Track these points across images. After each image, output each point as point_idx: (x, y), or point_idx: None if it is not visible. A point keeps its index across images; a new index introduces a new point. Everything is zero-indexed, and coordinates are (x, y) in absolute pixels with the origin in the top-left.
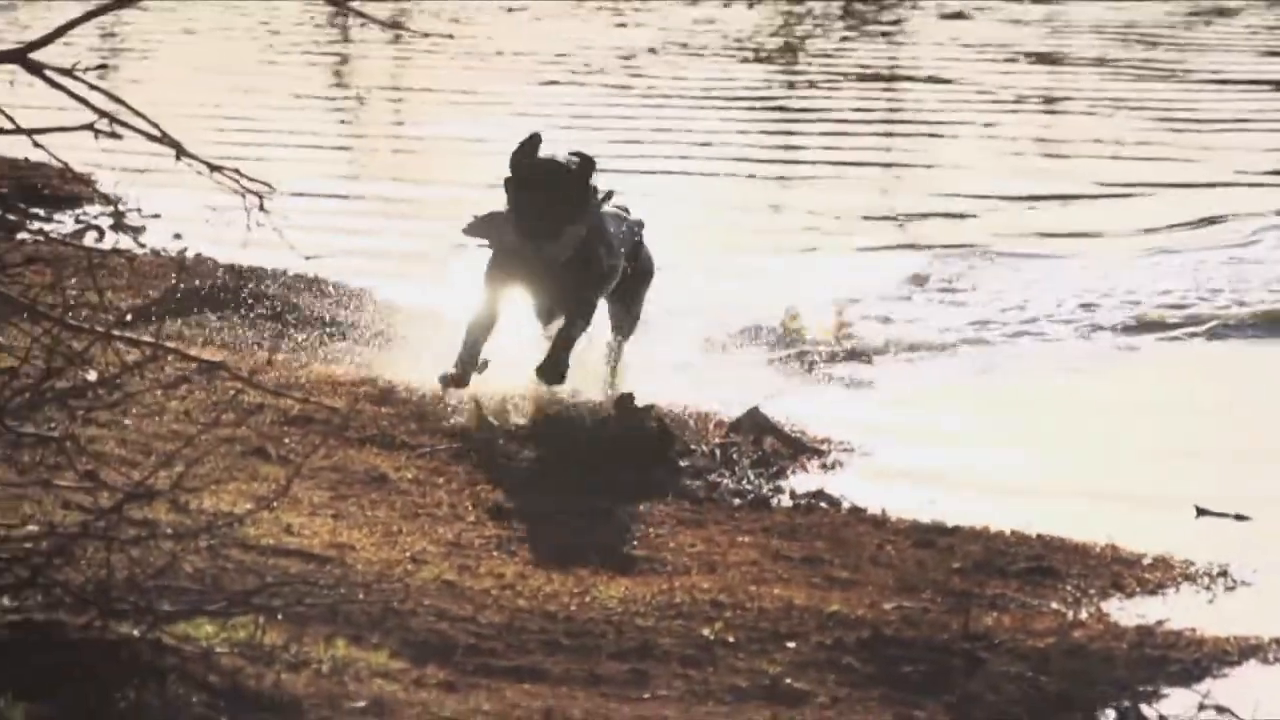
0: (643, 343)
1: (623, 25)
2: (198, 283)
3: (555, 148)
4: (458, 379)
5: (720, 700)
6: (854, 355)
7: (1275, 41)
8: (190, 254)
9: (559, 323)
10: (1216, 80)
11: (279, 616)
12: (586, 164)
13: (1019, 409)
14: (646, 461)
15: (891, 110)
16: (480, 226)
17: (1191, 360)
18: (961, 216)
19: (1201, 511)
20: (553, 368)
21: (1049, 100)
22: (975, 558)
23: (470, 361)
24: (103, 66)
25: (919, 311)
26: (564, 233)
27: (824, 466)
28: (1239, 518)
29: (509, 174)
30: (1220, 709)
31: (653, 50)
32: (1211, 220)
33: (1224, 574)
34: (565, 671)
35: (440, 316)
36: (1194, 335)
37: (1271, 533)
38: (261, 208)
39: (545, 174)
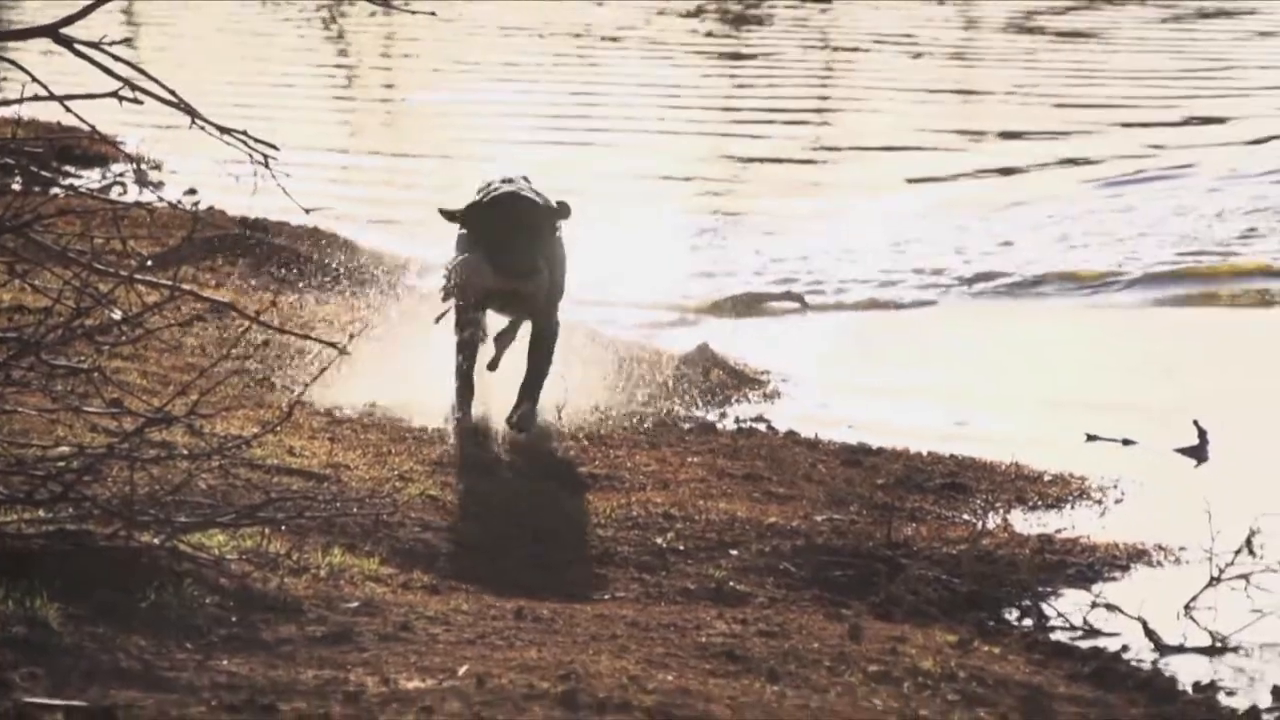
0: (604, 289)
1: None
2: (210, 232)
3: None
4: (461, 421)
5: (672, 601)
6: (791, 297)
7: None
8: (204, 207)
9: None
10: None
11: (282, 528)
12: (561, 208)
13: (933, 346)
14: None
15: (826, 76)
16: (457, 274)
17: (1081, 311)
18: (883, 171)
19: (1091, 437)
20: (529, 418)
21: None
22: (896, 475)
23: (467, 397)
24: (126, 40)
25: (851, 258)
26: (540, 270)
27: (764, 395)
28: (1125, 442)
29: (478, 211)
30: (1110, 606)
31: (615, 36)
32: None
33: (1114, 488)
34: (535, 576)
35: (423, 263)
36: (1085, 288)
37: (1153, 454)
38: (267, 166)
39: (519, 211)
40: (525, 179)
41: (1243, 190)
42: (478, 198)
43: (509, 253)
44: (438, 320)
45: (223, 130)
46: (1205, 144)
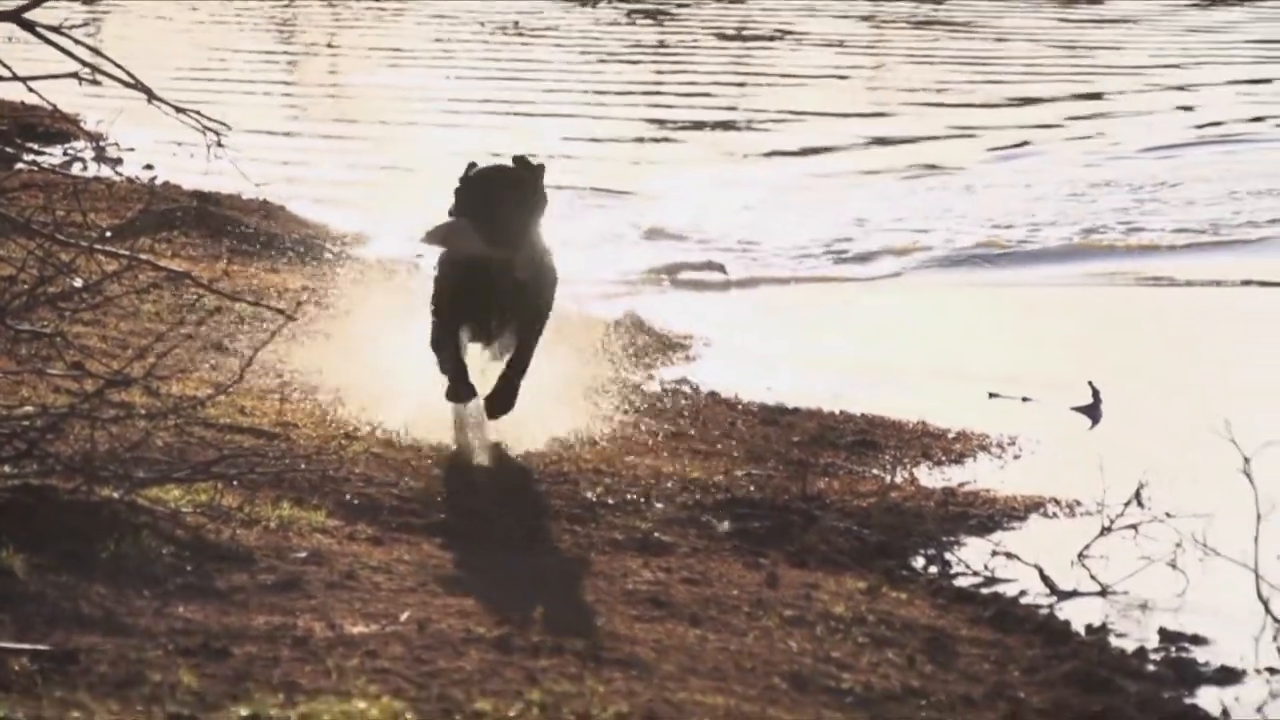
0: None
1: None
2: (166, 206)
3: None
4: (460, 393)
5: (601, 551)
6: (712, 267)
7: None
8: (160, 182)
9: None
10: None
11: (234, 483)
12: (539, 168)
13: (844, 315)
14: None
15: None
16: (440, 235)
17: (980, 280)
18: (803, 153)
19: (993, 395)
20: (507, 399)
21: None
22: (811, 433)
23: (461, 372)
24: (86, 25)
25: (767, 227)
26: (530, 240)
27: (687, 358)
28: (1024, 400)
29: (464, 180)
30: (1009, 554)
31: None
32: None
33: (1013, 444)
34: (473, 528)
35: (366, 236)
36: (985, 262)
37: (1050, 412)
38: (219, 143)
39: (507, 180)
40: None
41: (1132, 167)
42: (465, 172)
43: (497, 218)
44: (426, 240)
45: (177, 109)
46: (1088, 121)
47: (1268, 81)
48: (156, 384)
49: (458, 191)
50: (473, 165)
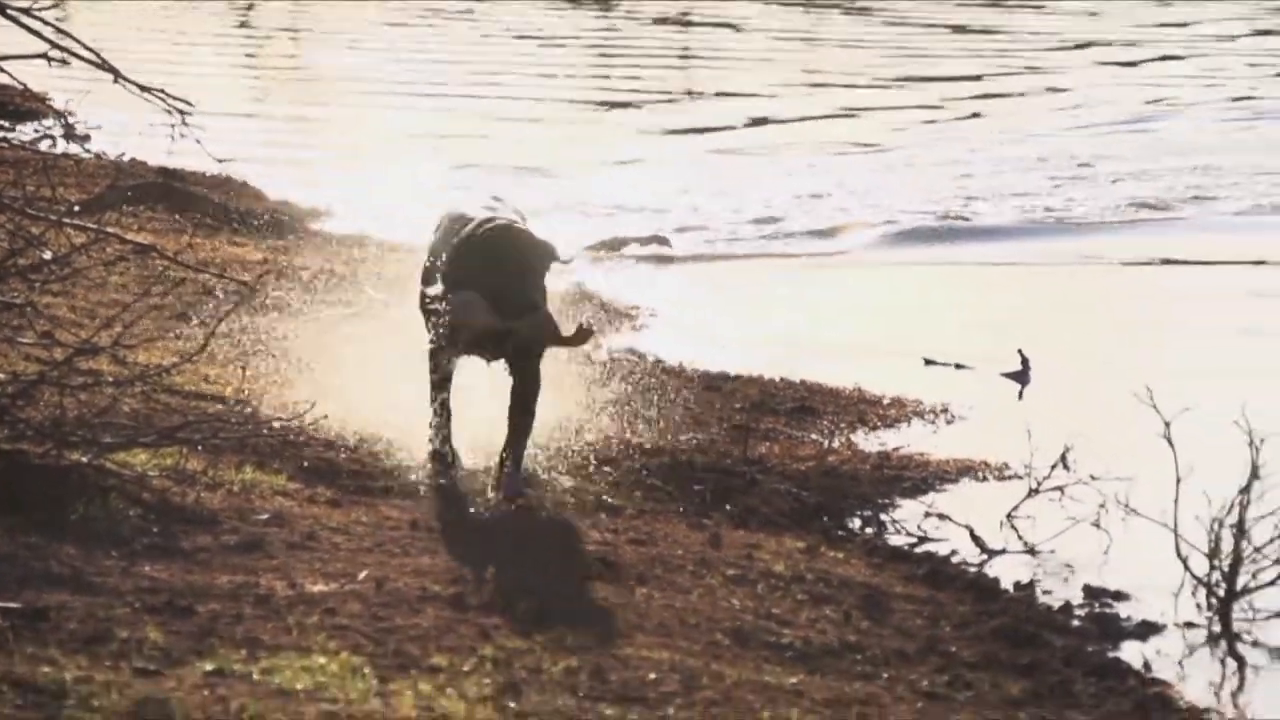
0: None
1: None
2: (132, 181)
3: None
4: (441, 457)
5: (551, 513)
6: (658, 240)
7: None
8: (126, 158)
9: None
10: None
11: (199, 447)
12: (548, 247)
13: (787, 286)
14: None
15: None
16: (454, 311)
17: (917, 257)
18: (742, 131)
19: (929, 362)
20: (516, 481)
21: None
22: (752, 399)
23: (446, 436)
24: (55, 6)
25: (709, 204)
26: (538, 307)
27: (634, 328)
28: (958, 367)
29: (469, 244)
30: (942, 516)
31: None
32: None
33: (945, 410)
34: (428, 490)
35: (323, 212)
36: (917, 239)
37: (983, 379)
38: (184, 122)
39: (513, 244)
40: (497, 200)
41: (1053, 146)
42: (467, 229)
43: (506, 289)
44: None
45: (143, 88)
46: (1007, 100)
47: (1177, 59)
48: (124, 352)
49: (459, 254)
50: (461, 218)
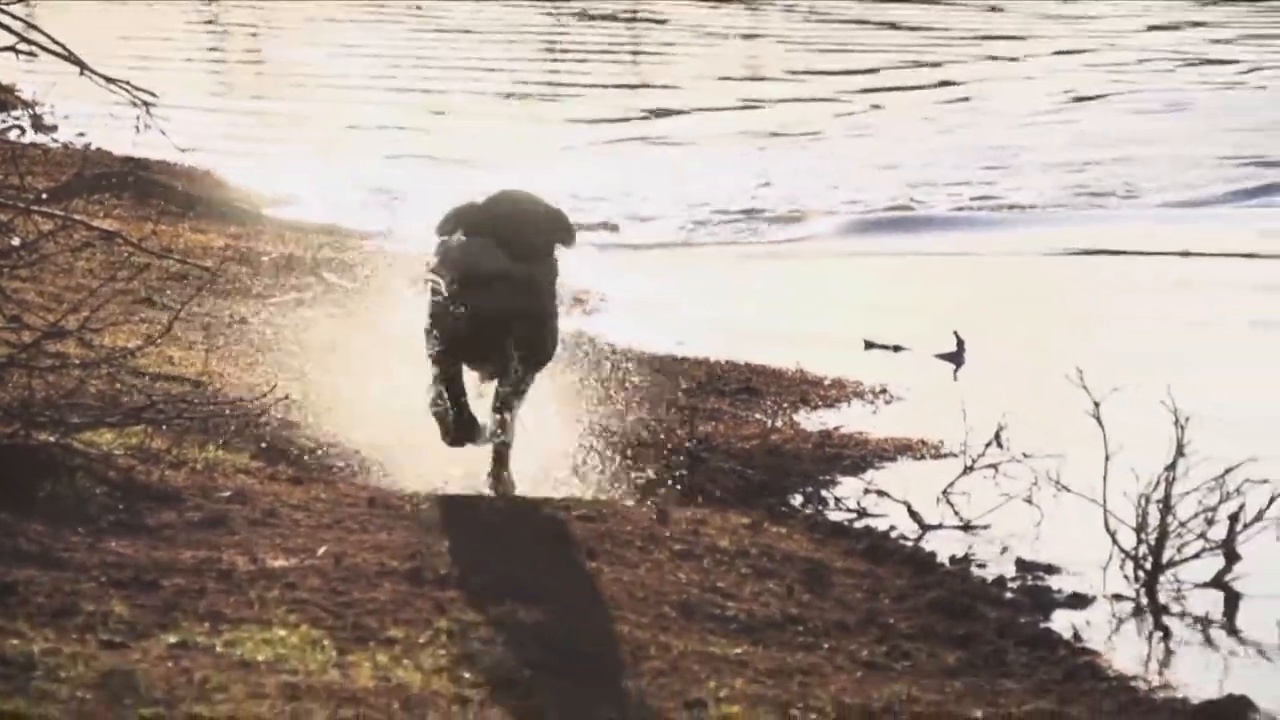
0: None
1: None
2: (98, 170)
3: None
4: (462, 432)
5: (506, 491)
6: (606, 226)
7: None
8: (93, 148)
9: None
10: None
11: (163, 427)
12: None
13: (733, 272)
14: None
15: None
16: (457, 254)
17: (852, 243)
18: (678, 121)
19: (869, 345)
20: (503, 480)
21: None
22: (698, 380)
23: (464, 410)
24: (22, 1)
25: (654, 196)
26: (552, 256)
27: (584, 312)
28: (896, 349)
29: (479, 207)
30: (881, 492)
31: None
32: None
33: (884, 391)
34: (384, 465)
35: (283, 200)
36: (857, 229)
37: (920, 360)
38: (148, 112)
39: (528, 198)
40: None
41: (985, 137)
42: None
43: (516, 235)
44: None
45: (108, 80)
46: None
47: (1083, 53)
48: (90, 336)
49: (466, 212)
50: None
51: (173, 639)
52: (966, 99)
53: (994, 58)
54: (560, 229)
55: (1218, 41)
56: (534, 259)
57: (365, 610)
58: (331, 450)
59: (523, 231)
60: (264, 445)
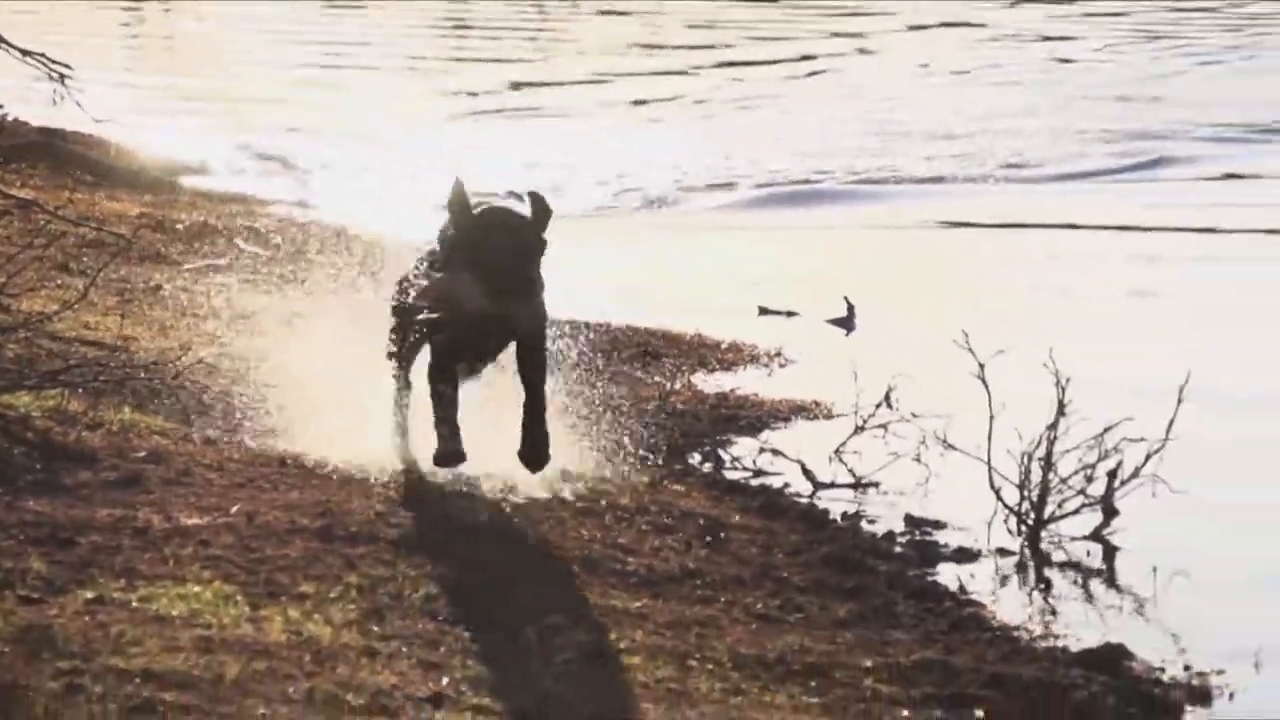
0: (363, 189)
1: None
2: (15, 140)
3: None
4: (455, 453)
5: (414, 451)
6: (514, 195)
7: None
8: (10, 118)
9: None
10: None
11: (80, 390)
12: (545, 210)
13: (629, 243)
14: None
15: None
16: (438, 294)
17: (746, 216)
18: (579, 97)
19: (763, 310)
20: (542, 451)
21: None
22: (600, 345)
23: (455, 429)
24: None
25: (557, 169)
26: (536, 293)
27: None
28: (789, 314)
29: (460, 226)
30: (775, 451)
31: None
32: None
33: (779, 355)
34: (300, 428)
35: (196, 169)
36: (754, 202)
37: (813, 326)
38: (63, 83)
39: (507, 228)
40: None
41: (871, 113)
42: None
43: (501, 273)
44: (393, 356)
45: (24, 53)
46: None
47: (981, 25)
48: (7, 301)
49: (453, 239)
50: (468, 205)
51: (89, 594)
52: (840, 71)
53: (856, 34)
54: (541, 249)
55: (1067, 18)
56: (522, 294)
57: (277, 566)
58: (245, 412)
59: (512, 265)
60: (179, 407)
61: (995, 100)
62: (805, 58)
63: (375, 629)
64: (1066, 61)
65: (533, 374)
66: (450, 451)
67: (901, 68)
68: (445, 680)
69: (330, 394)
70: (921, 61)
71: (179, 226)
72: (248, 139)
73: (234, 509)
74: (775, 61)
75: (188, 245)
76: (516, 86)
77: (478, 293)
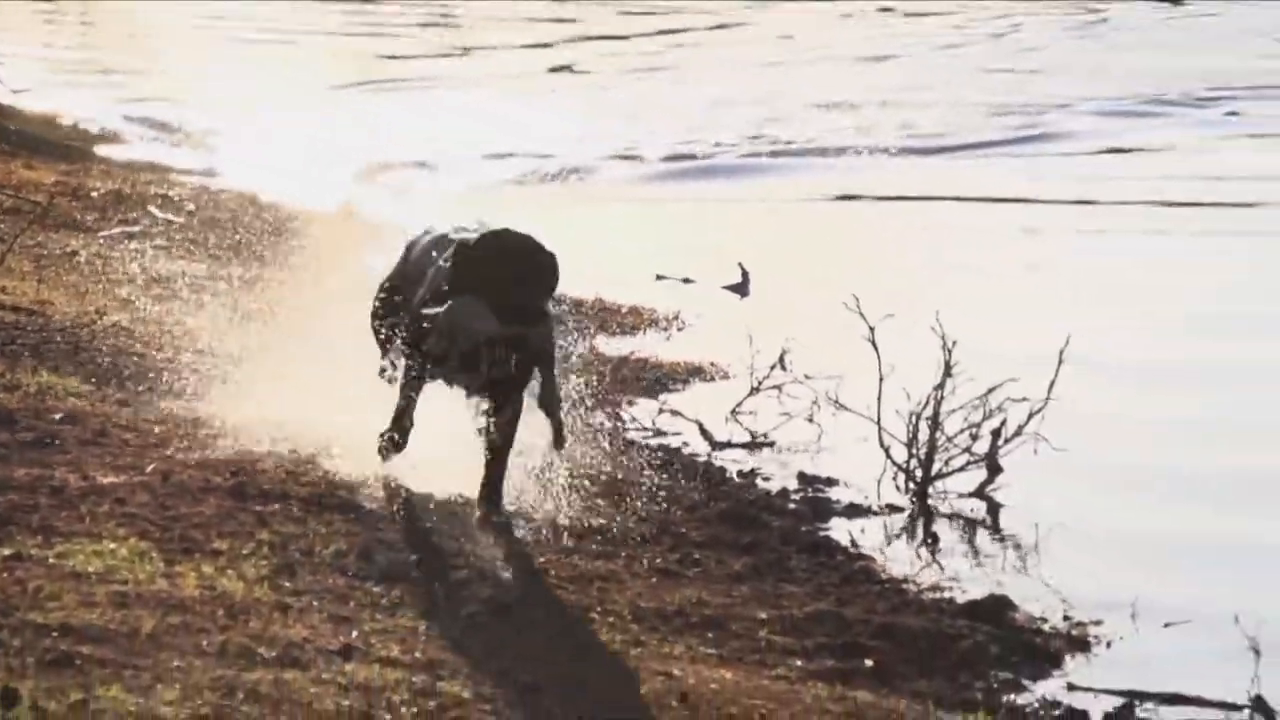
0: (262, 160)
1: None
2: None
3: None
4: (397, 443)
5: (314, 413)
6: (426, 166)
7: None
8: None
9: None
10: None
11: None
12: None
13: (536, 211)
14: None
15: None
16: (448, 319)
17: (645, 189)
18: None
19: (659, 277)
20: (497, 497)
21: None
22: None
23: (406, 425)
24: None
25: (457, 144)
26: (546, 317)
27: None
28: (686, 281)
29: (471, 251)
30: (674, 412)
31: None
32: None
33: (677, 318)
34: (213, 390)
35: (111, 139)
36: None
37: (708, 291)
38: None
39: (525, 251)
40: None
41: (749, 87)
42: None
43: (514, 294)
44: (383, 373)
45: None
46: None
47: None
48: None
49: (460, 261)
50: (444, 238)
51: (7, 551)
52: (729, 45)
53: (744, 5)
54: (555, 277)
55: None
56: (529, 315)
57: (191, 524)
58: (159, 374)
59: (520, 293)
60: (94, 370)
61: (887, 73)
62: (687, 29)
63: (287, 584)
64: (953, 35)
65: (507, 421)
66: (394, 441)
67: (790, 41)
68: (355, 633)
69: (243, 355)
70: (811, 34)
71: (94, 194)
72: (159, 110)
73: (149, 468)
74: (665, 32)
75: (102, 213)
76: (413, 54)
77: (488, 314)
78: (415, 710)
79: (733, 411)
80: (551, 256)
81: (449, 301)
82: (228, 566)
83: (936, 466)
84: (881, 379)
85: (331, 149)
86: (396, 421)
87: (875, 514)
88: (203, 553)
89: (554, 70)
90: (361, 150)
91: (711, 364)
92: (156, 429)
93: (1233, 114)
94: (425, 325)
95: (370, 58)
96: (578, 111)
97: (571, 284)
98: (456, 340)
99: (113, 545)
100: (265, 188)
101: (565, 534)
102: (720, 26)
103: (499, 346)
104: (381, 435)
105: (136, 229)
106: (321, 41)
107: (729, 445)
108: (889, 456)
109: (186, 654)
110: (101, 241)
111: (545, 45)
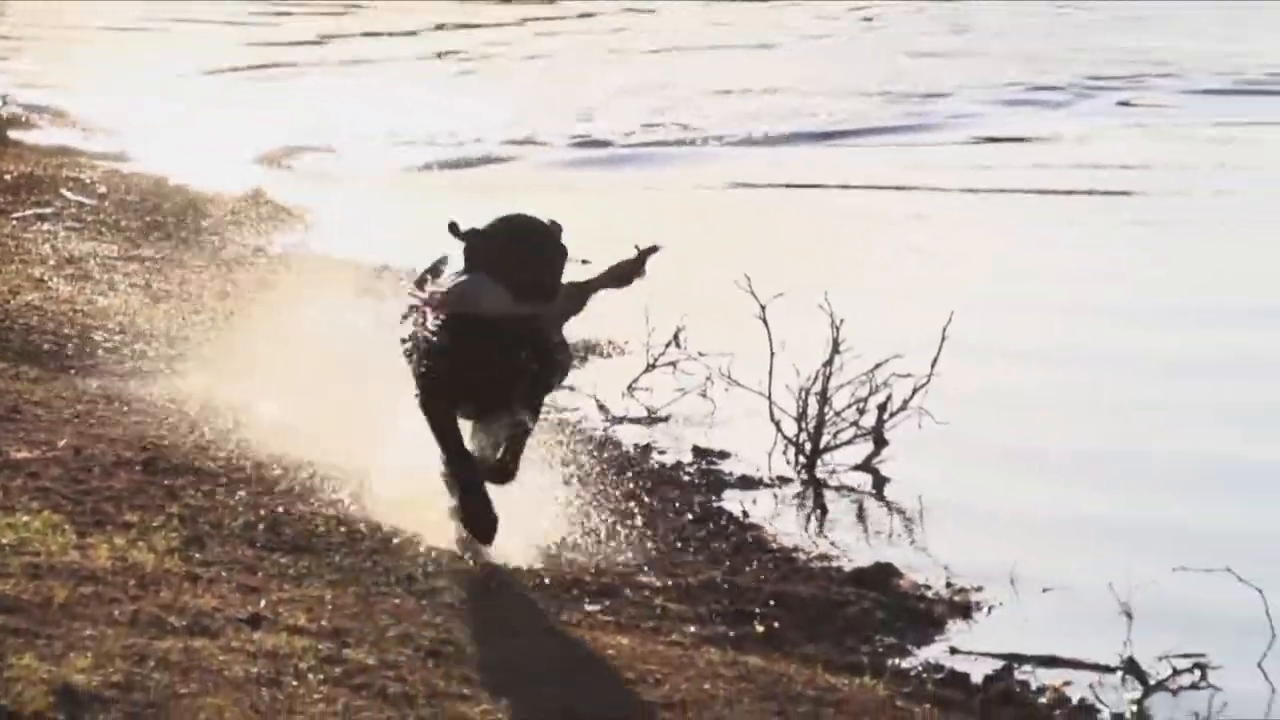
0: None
1: None
2: None
3: None
4: (484, 532)
5: (226, 379)
6: (326, 150)
7: None
8: None
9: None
10: None
11: None
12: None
13: (440, 193)
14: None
15: None
16: (459, 295)
17: (540, 173)
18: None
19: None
20: (508, 471)
21: None
22: (405, 287)
23: (476, 490)
24: None
25: (369, 128)
26: (559, 295)
27: (304, 226)
28: (584, 261)
29: (485, 234)
30: (571, 388)
31: None
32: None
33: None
34: (126, 366)
35: (23, 123)
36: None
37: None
38: None
39: (537, 230)
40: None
41: (644, 72)
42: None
43: (526, 272)
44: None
45: None
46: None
47: None
48: None
49: (474, 244)
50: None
51: None
52: (621, 30)
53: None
54: (564, 257)
55: None
56: (544, 292)
57: (103, 497)
58: (71, 350)
59: (533, 269)
60: (7, 348)
61: (771, 63)
62: (585, 15)
63: (196, 555)
64: (833, 23)
65: (527, 407)
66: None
67: (681, 28)
68: (263, 602)
69: (153, 333)
70: (700, 23)
71: (6, 177)
72: (71, 94)
73: (61, 443)
74: (555, 18)
75: (14, 195)
76: (325, 39)
77: (501, 292)
78: (322, 677)
79: (629, 387)
80: (560, 239)
81: (463, 278)
82: (139, 538)
83: (825, 440)
84: (772, 356)
85: (230, 134)
86: (465, 495)
87: (766, 486)
88: (114, 525)
89: (441, 56)
90: (262, 135)
91: (609, 341)
92: (69, 406)
93: (1124, 104)
94: (428, 339)
95: (261, 44)
96: (478, 98)
97: None
98: (469, 307)
99: (26, 518)
100: (174, 170)
101: None
102: (586, 16)
103: (510, 340)
104: (453, 512)
105: (49, 211)
106: (209, 30)
107: (625, 420)
108: (779, 430)
109: (98, 623)
110: (14, 223)
111: (427, 30)
